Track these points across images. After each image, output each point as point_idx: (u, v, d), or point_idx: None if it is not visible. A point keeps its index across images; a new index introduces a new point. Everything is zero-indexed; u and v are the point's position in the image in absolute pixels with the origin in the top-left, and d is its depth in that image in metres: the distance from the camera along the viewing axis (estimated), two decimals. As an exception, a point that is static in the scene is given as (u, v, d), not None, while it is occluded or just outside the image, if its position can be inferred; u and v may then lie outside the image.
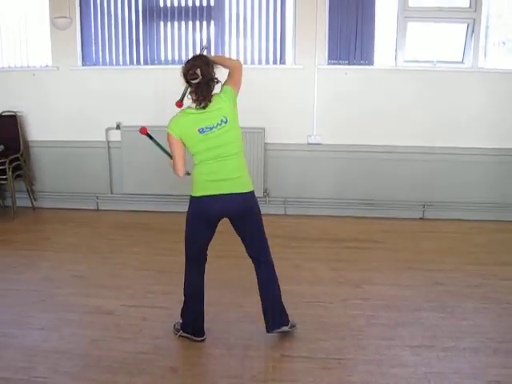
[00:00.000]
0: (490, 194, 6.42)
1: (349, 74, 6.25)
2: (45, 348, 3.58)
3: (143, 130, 3.66)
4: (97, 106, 6.66)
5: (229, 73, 3.56)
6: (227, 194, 3.40)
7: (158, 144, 3.76)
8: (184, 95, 3.50)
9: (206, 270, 3.70)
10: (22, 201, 6.82)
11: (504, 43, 6.65)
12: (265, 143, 6.32)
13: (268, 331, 3.63)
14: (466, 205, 6.43)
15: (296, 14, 6.24)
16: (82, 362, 3.40)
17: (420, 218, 6.52)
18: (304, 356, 3.46)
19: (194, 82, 3.30)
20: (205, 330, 3.66)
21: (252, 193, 3.50)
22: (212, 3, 6.36)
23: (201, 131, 3.33)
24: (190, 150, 3.42)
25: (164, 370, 3.31)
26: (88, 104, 6.67)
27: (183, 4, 6.41)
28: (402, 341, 3.66)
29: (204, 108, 3.32)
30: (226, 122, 3.35)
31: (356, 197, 6.49)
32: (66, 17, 6.44)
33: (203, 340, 3.64)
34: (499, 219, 6.39)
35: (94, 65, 6.68)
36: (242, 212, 3.48)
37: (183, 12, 6.42)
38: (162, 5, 6.44)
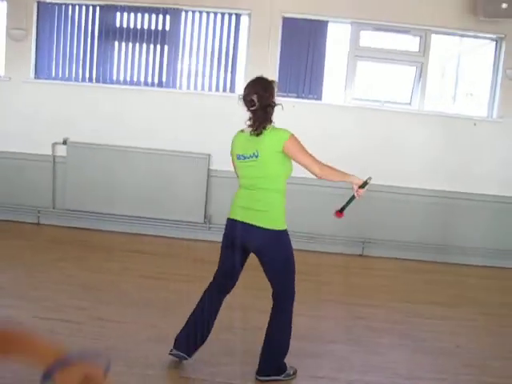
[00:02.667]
0: (428, 234, 6.50)
1: (296, 107, 6.31)
2: None
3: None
4: (46, 119, 6.63)
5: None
6: (247, 224, 3.33)
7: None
8: (347, 205, 3.61)
9: (214, 301, 3.63)
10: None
11: (471, 94, 6.81)
12: (209, 169, 6.33)
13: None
14: (404, 244, 6.49)
15: (249, 45, 6.34)
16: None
17: (359, 255, 6.54)
18: (201, 379, 3.44)
19: (251, 109, 3.30)
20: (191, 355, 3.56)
21: (275, 232, 3.36)
22: (167, 28, 6.42)
23: (238, 157, 3.40)
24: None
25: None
26: (37, 117, 6.63)
27: (139, 26, 6.46)
28: (306, 371, 3.64)
29: (258, 135, 3.28)
30: (256, 157, 3.28)
31: (296, 229, 6.48)
32: (21, 28, 6.47)
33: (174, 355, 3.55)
34: (436, 260, 6.44)
35: (47, 78, 6.67)
36: (259, 246, 3.39)
37: (138, 34, 6.48)
38: (118, 25, 6.50)
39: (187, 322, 3.57)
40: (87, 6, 6.49)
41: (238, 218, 3.37)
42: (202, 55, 6.44)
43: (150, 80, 6.50)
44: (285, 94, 6.34)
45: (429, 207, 6.46)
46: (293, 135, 3.34)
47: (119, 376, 3.39)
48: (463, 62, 7.06)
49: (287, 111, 6.18)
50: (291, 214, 6.31)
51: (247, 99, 3.31)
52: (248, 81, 3.49)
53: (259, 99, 3.29)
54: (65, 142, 6.59)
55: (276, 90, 3.47)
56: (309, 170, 3.40)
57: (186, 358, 3.52)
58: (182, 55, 6.45)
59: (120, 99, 6.48)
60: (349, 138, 6.39)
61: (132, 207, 6.52)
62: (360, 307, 4.89)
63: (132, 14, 6.47)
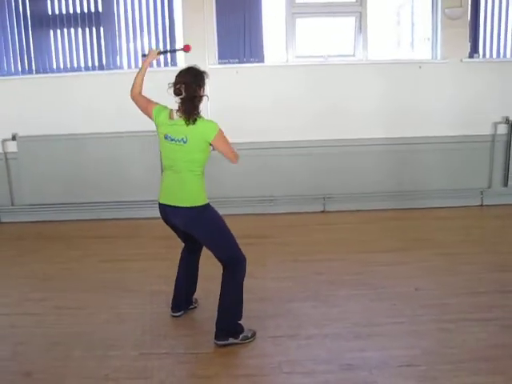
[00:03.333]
0: (385, 182, 6.57)
1: (240, 72, 6.31)
2: None
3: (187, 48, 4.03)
4: (-9, 116, 6.55)
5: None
6: (173, 206, 3.50)
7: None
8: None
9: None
10: None
11: (428, 39, 6.81)
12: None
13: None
14: (363, 195, 6.57)
15: (184, 17, 6.26)
16: None
17: (321, 211, 6.60)
18: (162, 352, 3.48)
19: (178, 97, 3.38)
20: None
21: (197, 208, 3.48)
22: (100, 9, 6.33)
23: (165, 136, 3.46)
24: (159, 145, 3.57)
25: (17, 376, 3.29)
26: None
27: (71, 11, 6.34)
28: (266, 332, 3.71)
29: (187, 124, 3.37)
30: (184, 143, 3.39)
31: (255, 193, 6.54)
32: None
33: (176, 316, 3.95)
34: (395, 207, 6.53)
35: (-15, 75, 6.57)
36: (186, 224, 3.54)
37: (72, 19, 6.36)
38: (50, 12, 6.37)
39: (175, 286, 3.97)
40: (17, -3, 6.37)
41: (166, 201, 3.54)
42: (138, 31, 6.35)
43: (90, 64, 6.41)
44: (226, 61, 6.31)
45: (382, 155, 6.52)
46: (220, 129, 3.47)
47: (80, 360, 3.45)
48: (416, 7, 7.06)
49: (232, 77, 6.26)
50: (251, 178, 6.42)
51: (175, 87, 3.39)
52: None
53: (186, 89, 3.36)
54: (14, 138, 6.51)
55: (206, 80, 3.50)
56: (226, 157, 3.62)
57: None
58: (119, 34, 6.35)
59: (63, 87, 6.38)
60: (295, 97, 6.38)
61: (91, 193, 6.49)
62: (319, 263, 4.96)
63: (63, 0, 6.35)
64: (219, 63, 6.32)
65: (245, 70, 6.33)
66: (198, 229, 3.53)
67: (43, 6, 6.37)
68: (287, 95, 6.38)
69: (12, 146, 6.56)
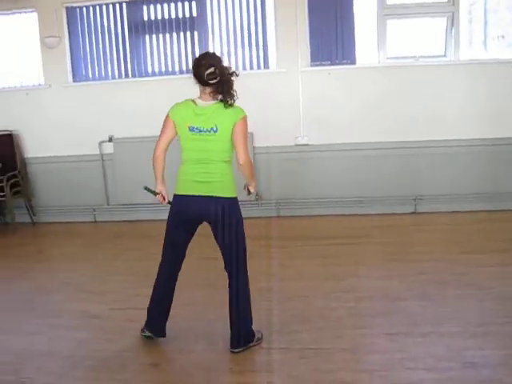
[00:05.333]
0: (480, 184, 6.47)
1: (332, 74, 6.35)
2: (32, 351, 3.69)
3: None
4: (89, 120, 6.82)
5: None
6: (204, 196, 3.39)
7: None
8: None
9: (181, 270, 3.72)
10: (22, 217, 6.98)
11: (503, 37, 6.70)
12: (253, 147, 6.40)
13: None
14: (456, 196, 6.48)
15: (276, 19, 6.37)
16: (67, 362, 3.50)
17: (412, 212, 6.56)
18: (281, 347, 3.54)
19: (212, 81, 3.24)
20: (165, 331, 3.67)
21: (231, 199, 3.44)
22: (194, 14, 6.50)
23: (191, 129, 3.34)
24: (181, 142, 3.45)
25: (145, 366, 3.43)
26: (81, 119, 6.83)
27: (167, 16, 6.56)
28: (380, 329, 3.71)
29: (231, 105, 3.30)
30: (215, 132, 3.32)
31: (346, 195, 6.56)
32: (55, 36, 6.63)
33: (162, 337, 3.68)
34: (490, 209, 6.41)
35: (85, 80, 6.86)
36: (218, 215, 3.41)
37: (167, 24, 6.58)
38: (146, 18, 6.60)
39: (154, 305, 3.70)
40: (114, 5, 6.64)
41: (193, 192, 3.40)
42: (232, 36, 6.48)
43: (184, 68, 6.59)
44: (318, 63, 6.37)
45: (476, 156, 6.42)
46: (246, 116, 3.36)
47: (203, 354, 3.55)
48: (490, 4, 6.92)
49: (324, 79, 6.32)
50: (341, 179, 6.45)
51: (206, 73, 3.21)
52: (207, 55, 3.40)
53: (220, 72, 3.24)
54: (110, 140, 6.77)
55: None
56: (237, 154, 3.39)
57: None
58: (213, 39, 6.52)
59: (157, 90, 6.58)
60: (387, 98, 6.38)
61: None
62: (420, 263, 4.93)
63: (158, 6, 6.56)
64: (311, 65, 6.38)
65: (337, 71, 6.36)
66: (228, 219, 3.41)
67: (139, 13, 6.64)
68: (378, 96, 6.39)
69: (108, 148, 6.81)
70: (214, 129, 3.31)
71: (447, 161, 6.45)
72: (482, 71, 6.37)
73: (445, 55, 6.52)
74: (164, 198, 3.63)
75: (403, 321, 3.83)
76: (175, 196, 3.51)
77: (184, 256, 3.68)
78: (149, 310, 3.71)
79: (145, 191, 3.75)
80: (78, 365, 3.46)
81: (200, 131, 3.32)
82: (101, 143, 6.83)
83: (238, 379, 3.21)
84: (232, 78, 3.30)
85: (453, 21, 6.32)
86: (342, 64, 6.38)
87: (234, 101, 3.32)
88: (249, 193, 3.64)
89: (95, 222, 7.04)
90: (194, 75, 3.29)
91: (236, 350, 3.51)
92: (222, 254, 3.54)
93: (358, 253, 5.29)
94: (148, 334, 3.69)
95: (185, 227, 3.54)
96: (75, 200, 7.03)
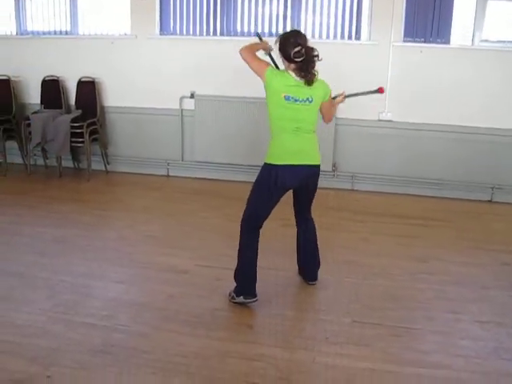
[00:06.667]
0: None
1: (424, 52, 6.21)
2: (125, 300, 3.81)
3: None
4: (172, 74, 6.82)
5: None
6: (307, 165, 3.64)
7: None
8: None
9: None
10: (96, 164, 7.10)
11: None
12: (336, 118, 6.33)
13: (309, 280, 4.06)
14: (536, 189, 6.34)
15: (373, -10, 6.23)
16: (160, 314, 3.60)
17: (488, 201, 6.45)
18: (374, 323, 3.56)
19: (297, 60, 3.44)
20: (256, 293, 3.72)
21: (319, 167, 3.75)
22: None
23: (286, 98, 3.49)
24: (271, 111, 3.60)
25: (240, 326, 3.49)
26: (164, 73, 6.84)
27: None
28: (471, 316, 3.71)
29: (309, 85, 3.49)
30: (310, 102, 3.53)
31: (423, 175, 6.48)
32: (146, -13, 6.62)
33: (255, 301, 3.70)
34: None
35: (172, 34, 6.83)
36: (313, 184, 3.79)
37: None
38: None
39: (243, 271, 3.74)
40: (208, -40, 6.56)
41: (293, 162, 3.58)
42: (326, 3, 6.37)
43: (274, 31, 6.52)
44: (411, 39, 6.24)
45: None
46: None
47: (296, 321, 3.62)
48: None
49: (415, 56, 6.20)
50: (420, 159, 6.38)
51: (293, 51, 3.43)
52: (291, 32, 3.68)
53: (307, 51, 3.45)
54: (192, 96, 6.78)
55: None
56: (326, 120, 3.90)
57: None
58: (306, 5, 6.41)
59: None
60: (478, 82, 6.22)
61: (258, 157, 6.59)
62: (501, 253, 4.85)
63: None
64: (404, 41, 6.26)
65: (429, 50, 6.22)
66: (315, 186, 3.81)
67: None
68: (469, 79, 6.22)
69: (189, 104, 6.83)
70: (310, 99, 3.53)
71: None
72: None
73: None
74: (269, 49, 3.92)
75: (493, 310, 3.81)
76: (273, 166, 3.60)
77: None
78: (236, 274, 3.77)
79: (256, 36, 4.17)
80: (172, 318, 3.56)
81: (296, 100, 3.50)
82: (182, 98, 6.84)
83: (335, 350, 3.24)
84: (315, 59, 3.48)
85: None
86: (436, 43, 6.22)
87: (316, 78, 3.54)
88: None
89: (168, 176, 7.10)
90: (280, 50, 3.52)
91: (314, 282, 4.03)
92: (300, 206, 3.95)
93: (437, 236, 5.23)
94: (238, 300, 3.72)
95: (279, 195, 3.68)
96: (150, 152, 7.09)
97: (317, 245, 4.03)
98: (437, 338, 3.42)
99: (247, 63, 3.62)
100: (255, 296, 3.70)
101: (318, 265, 4.08)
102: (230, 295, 3.78)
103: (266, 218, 3.73)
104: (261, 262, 3.74)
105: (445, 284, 4.18)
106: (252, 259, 3.69)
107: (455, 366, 3.13)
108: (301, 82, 3.48)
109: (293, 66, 3.48)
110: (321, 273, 4.10)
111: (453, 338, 3.43)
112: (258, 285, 3.72)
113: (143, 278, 4.17)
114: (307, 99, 3.51)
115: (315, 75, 3.50)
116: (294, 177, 3.61)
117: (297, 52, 3.42)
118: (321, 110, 3.73)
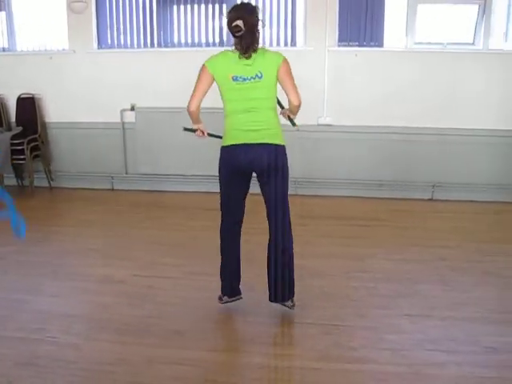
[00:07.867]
0: (499, 175, 6.45)
1: (359, 55, 6.33)
2: (57, 312, 3.77)
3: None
4: (112, 88, 6.80)
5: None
6: (255, 144, 3.38)
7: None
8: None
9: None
10: (40, 181, 7.01)
11: None
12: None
13: (273, 300, 3.64)
14: (475, 186, 6.46)
15: (306, -3, 6.33)
16: (92, 324, 3.59)
17: (429, 199, 6.57)
18: (305, 322, 3.59)
19: (237, 34, 3.26)
20: (240, 290, 3.72)
21: (282, 147, 3.44)
22: (222, -14, 6.46)
23: (234, 79, 3.32)
24: (222, 94, 3.43)
25: (169, 333, 3.47)
26: (103, 86, 6.82)
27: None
28: (401, 310, 3.77)
29: (248, 58, 3.29)
30: (260, 78, 3.31)
31: (365, 178, 6.57)
32: (81, 1, 6.60)
33: (239, 299, 3.72)
34: (508, 200, 6.41)
35: (110, 48, 6.83)
36: (270, 162, 3.41)
37: (195, -5, 6.53)
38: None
39: (224, 268, 3.71)
40: (142, -28, 6.58)
41: (243, 141, 3.39)
42: (260, 11, 6.41)
43: (210, 40, 6.57)
44: (346, 44, 6.35)
45: (496, 148, 6.40)
46: (285, 58, 3.38)
47: (221, 324, 3.65)
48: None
49: (350, 60, 6.30)
50: (361, 162, 6.47)
51: (233, 25, 3.24)
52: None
53: (245, 24, 3.22)
54: (133, 108, 6.77)
55: (260, 15, 3.39)
56: (290, 96, 3.44)
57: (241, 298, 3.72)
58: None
59: (183, 61, 6.52)
60: (412, 83, 6.35)
61: (202, 167, 6.62)
62: (439, 249, 4.94)
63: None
64: (339, 45, 6.36)
65: (364, 53, 6.34)
66: (277, 171, 3.42)
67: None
68: (403, 81, 6.36)
69: (130, 117, 6.82)
70: (259, 75, 3.30)
71: (467, 149, 6.42)
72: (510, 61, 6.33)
73: (473, 43, 6.47)
74: (203, 133, 3.70)
75: (424, 304, 3.88)
76: (224, 148, 3.49)
77: (243, 214, 3.67)
78: (221, 274, 3.72)
79: (185, 132, 3.85)
80: (103, 327, 3.54)
81: (244, 79, 3.31)
82: (123, 111, 6.83)
83: (264, 350, 3.26)
84: (257, 33, 3.31)
85: (485, 9, 6.26)
86: (370, 46, 6.35)
87: (254, 50, 3.29)
88: (293, 123, 3.72)
89: (112, 189, 7.06)
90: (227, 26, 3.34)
91: (282, 303, 3.63)
92: (268, 202, 3.51)
93: (377, 235, 5.32)
94: (225, 300, 3.71)
95: (238, 179, 3.51)
96: (93, 167, 7.04)
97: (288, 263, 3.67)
98: (365, 334, 3.46)
99: (196, 93, 3.47)
100: (238, 294, 3.69)
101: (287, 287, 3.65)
102: (219, 298, 3.75)
103: (238, 209, 3.60)
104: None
105: (378, 281, 4.23)
106: (231, 256, 3.66)
107: (381, 359, 3.17)
108: (242, 58, 3.31)
109: (236, 40, 3.30)
110: (253, 275, 4.07)
111: (381, 333, 3.47)
112: (189, 290, 3.72)
113: (80, 291, 4.13)
114: (256, 75, 3.30)
115: (254, 49, 3.29)
116: (247, 156, 3.39)
117: (235, 26, 3.23)
118: (281, 83, 3.40)
